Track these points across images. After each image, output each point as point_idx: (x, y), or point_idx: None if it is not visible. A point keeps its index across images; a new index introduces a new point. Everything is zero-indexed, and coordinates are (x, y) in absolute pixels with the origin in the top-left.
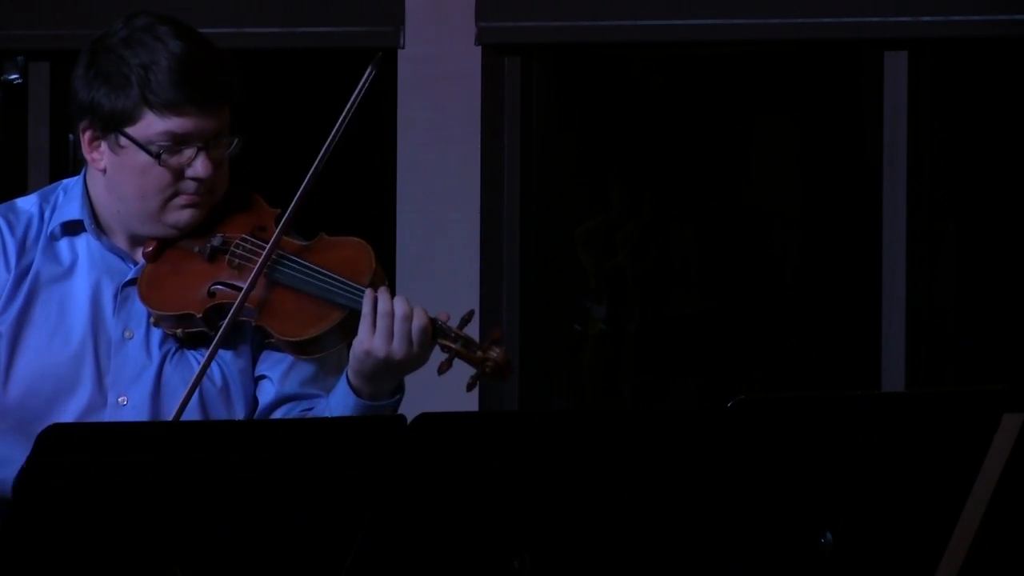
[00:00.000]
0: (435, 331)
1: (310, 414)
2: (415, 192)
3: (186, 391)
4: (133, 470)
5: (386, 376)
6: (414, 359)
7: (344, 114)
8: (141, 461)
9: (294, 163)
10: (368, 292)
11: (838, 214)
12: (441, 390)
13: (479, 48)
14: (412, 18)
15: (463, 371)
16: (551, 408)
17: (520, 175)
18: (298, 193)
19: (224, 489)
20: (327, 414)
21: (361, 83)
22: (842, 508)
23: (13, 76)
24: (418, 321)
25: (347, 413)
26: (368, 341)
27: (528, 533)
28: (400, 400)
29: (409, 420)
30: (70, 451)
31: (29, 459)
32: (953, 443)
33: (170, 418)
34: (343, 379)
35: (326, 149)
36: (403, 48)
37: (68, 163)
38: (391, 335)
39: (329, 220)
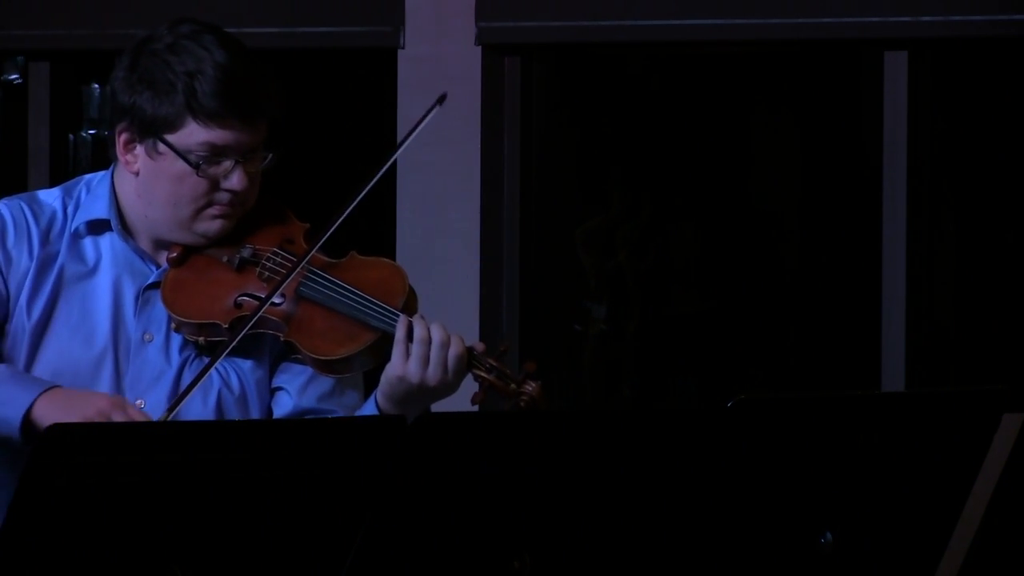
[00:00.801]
0: (470, 360)
1: None
2: (415, 192)
3: (191, 383)
4: (134, 470)
5: (417, 402)
6: (447, 387)
7: (401, 143)
8: (142, 461)
9: (293, 163)
10: (403, 318)
11: (838, 214)
12: None
13: (479, 48)
14: (412, 18)
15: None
16: (551, 408)
17: (520, 175)
18: (342, 215)
19: (224, 489)
20: None
21: (424, 116)
22: (842, 508)
23: (13, 76)
24: (455, 349)
25: None
26: (402, 367)
27: (528, 533)
28: None
29: (409, 420)
30: (71, 451)
31: (31, 459)
32: (953, 443)
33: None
34: (371, 402)
35: (376, 179)
36: (403, 48)
37: (68, 163)
38: (427, 362)
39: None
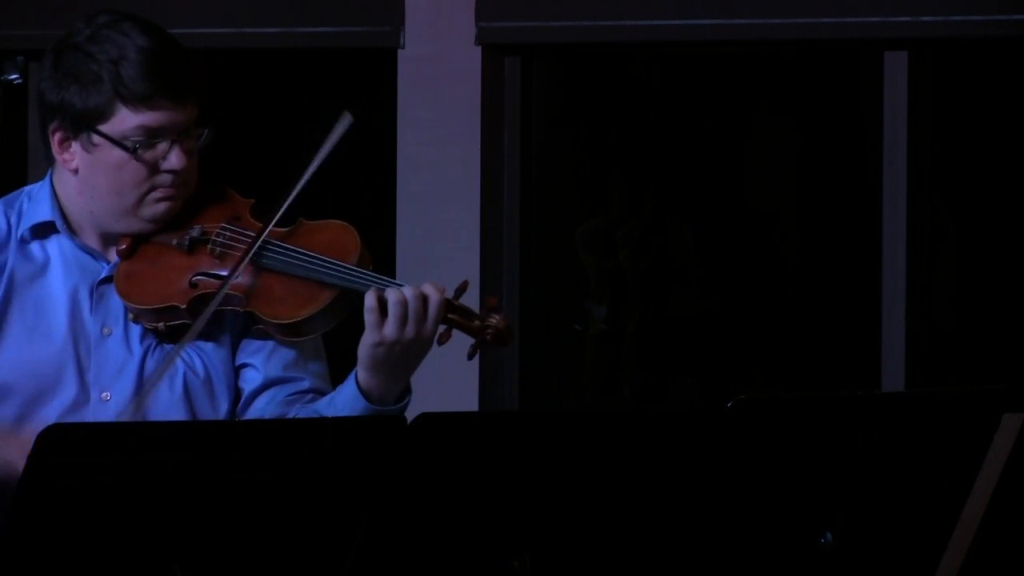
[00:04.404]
0: (447, 307)
1: (303, 413)
2: (415, 192)
3: (155, 370)
4: (133, 470)
5: (398, 366)
6: (426, 341)
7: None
8: (141, 461)
9: (294, 163)
10: (372, 290)
11: (838, 214)
12: (441, 390)
13: (479, 48)
14: (412, 18)
15: (461, 365)
16: (551, 408)
17: (520, 175)
18: (296, 187)
19: (224, 489)
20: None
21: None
22: (842, 508)
23: (13, 76)
24: (434, 298)
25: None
26: (377, 334)
27: (528, 533)
28: (407, 405)
29: (409, 420)
30: (70, 451)
31: (29, 459)
32: (953, 443)
33: (150, 409)
34: (351, 381)
35: (323, 151)
36: (403, 48)
37: None
38: (404, 321)
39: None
